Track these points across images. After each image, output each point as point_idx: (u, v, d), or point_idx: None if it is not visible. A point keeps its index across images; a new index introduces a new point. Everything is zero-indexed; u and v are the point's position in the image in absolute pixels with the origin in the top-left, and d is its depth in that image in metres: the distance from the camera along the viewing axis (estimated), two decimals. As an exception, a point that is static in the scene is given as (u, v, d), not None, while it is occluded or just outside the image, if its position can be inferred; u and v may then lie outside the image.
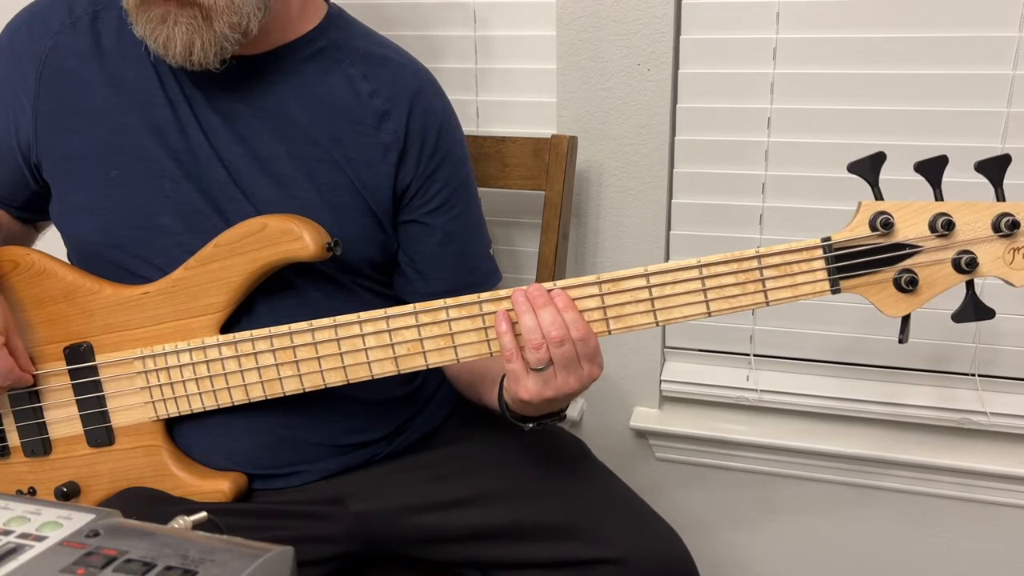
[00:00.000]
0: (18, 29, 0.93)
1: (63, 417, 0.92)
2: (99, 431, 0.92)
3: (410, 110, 0.94)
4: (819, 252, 0.79)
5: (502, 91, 1.35)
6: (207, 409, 0.89)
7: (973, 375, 1.27)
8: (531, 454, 0.98)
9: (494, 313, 0.82)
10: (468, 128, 1.25)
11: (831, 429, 1.34)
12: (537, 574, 0.94)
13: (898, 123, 1.18)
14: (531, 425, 0.89)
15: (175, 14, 0.81)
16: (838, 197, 1.22)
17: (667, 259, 1.34)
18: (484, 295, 0.83)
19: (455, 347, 0.83)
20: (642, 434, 1.43)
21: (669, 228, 1.33)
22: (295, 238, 0.86)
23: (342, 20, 0.98)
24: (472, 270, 1.01)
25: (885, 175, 0.78)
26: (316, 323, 0.85)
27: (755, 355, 1.35)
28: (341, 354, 0.85)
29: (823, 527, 1.40)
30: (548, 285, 0.80)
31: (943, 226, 0.77)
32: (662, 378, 1.39)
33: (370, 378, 0.85)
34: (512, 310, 0.81)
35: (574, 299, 0.80)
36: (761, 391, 1.33)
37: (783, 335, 1.33)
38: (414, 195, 0.95)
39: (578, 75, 1.27)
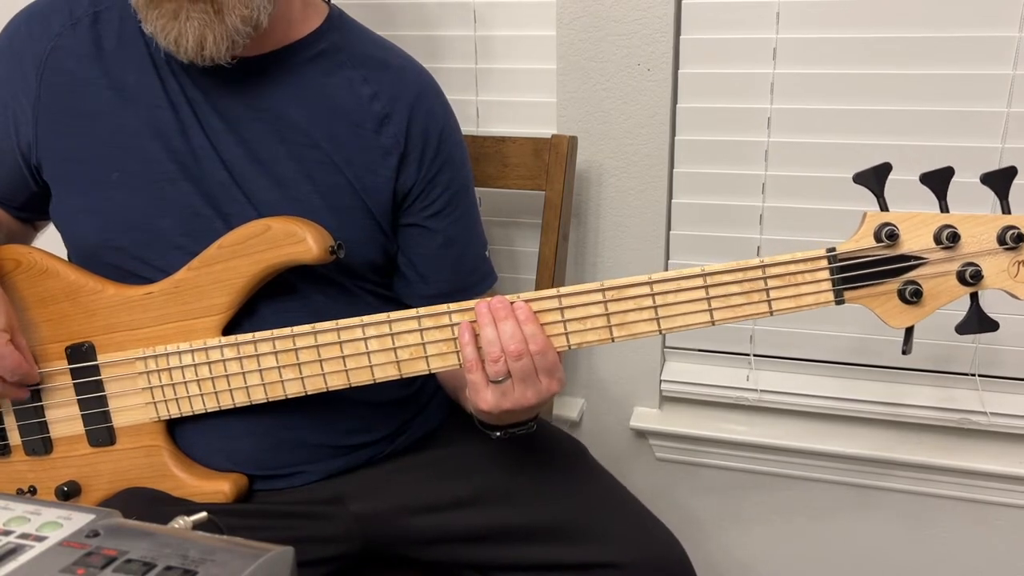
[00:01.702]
0: (18, 30, 0.92)
1: (64, 416, 0.92)
2: (100, 431, 0.92)
3: (411, 114, 0.94)
4: (824, 263, 0.79)
5: (502, 91, 1.35)
6: (208, 410, 0.89)
7: (973, 375, 1.27)
8: (531, 456, 0.98)
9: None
10: (468, 128, 1.25)
11: (831, 429, 1.34)
12: (535, 576, 0.94)
13: (898, 123, 1.18)
14: (498, 434, 0.89)
15: (187, 9, 0.80)
16: (838, 197, 1.22)
17: (667, 259, 1.34)
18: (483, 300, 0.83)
19: (457, 352, 0.83)
20: (642, 434, 1.43)
21: (669, 228, 1.33)
22: (298, 240, 0.86)
23: (343, 22, 0.97)
24: (471, 271, 1.01)
25: (885, 175, 0.78)
26: (319, 326, 0.85)
27: (755, 355, 1.35)
28: (343, 357, 0.85)
29: (823, 527, 1.40)
30: (511, 297, 0.81)
31: (948, 238, 0.76)
32: (662, 378, 1.39)
33: (372, 382, 0.85)
34: (475, 321, 0.81)
35: (536, 311, 0.80)
36: (761, 391, 1.33)
37: (783, 335, 1.33)
38: (415, 199, 0.95)
39: (578, 75, 1.27)
